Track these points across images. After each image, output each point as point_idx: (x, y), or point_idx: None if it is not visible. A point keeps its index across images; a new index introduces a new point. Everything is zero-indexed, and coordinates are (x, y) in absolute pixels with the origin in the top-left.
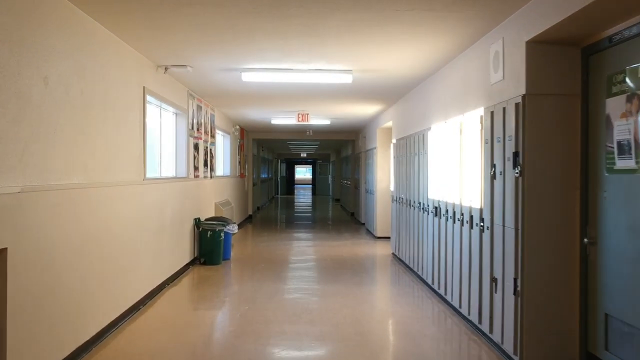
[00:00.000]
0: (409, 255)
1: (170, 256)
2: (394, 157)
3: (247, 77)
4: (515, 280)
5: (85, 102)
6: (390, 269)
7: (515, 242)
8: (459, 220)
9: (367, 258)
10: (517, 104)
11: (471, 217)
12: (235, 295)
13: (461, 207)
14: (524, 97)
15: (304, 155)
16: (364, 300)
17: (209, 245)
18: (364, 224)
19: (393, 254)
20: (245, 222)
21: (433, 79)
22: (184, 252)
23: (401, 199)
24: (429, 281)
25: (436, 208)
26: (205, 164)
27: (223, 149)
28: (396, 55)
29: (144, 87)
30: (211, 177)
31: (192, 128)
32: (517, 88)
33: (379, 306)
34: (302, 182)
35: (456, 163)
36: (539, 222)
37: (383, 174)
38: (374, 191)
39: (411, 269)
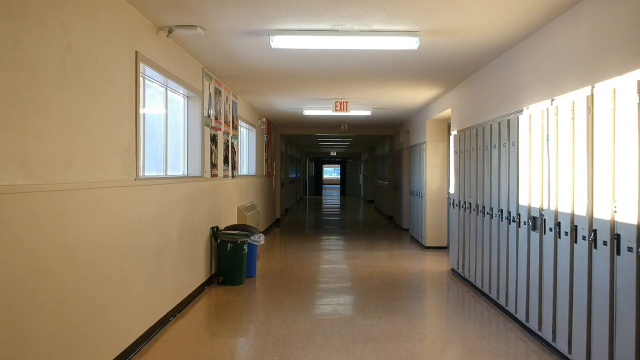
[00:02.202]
0: (480, 275)
1: (177, 279)
2: (455, 153)
3: (279, 42)
4: None
5: (25, 57)
6: (454, 292)
7: None
8: (585, 239)
9: (422, 276)
10: None
11: (617, 236)
12: (261, 335)
13: (590, 220)
14: None
15: (333, 154)
16: (440, 346)
17: (229, 261)
18: (406, 229)
19: (453, 270)
20: (273, 226)
21: (527, 44)
22: (197, 271)
23: (467, 204)
24: (521, 317)
25: (534, 218)
26: (226, 161)
27: (247, 144)
28: (482, 4)
29: (136, 53)
30: (233, 176)
31: (209, 116)
32: None
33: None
34: (330, 182)
35: (580, 156)
36: None
37: (434, 173)
38: (423, 193)
39: (483, 293)
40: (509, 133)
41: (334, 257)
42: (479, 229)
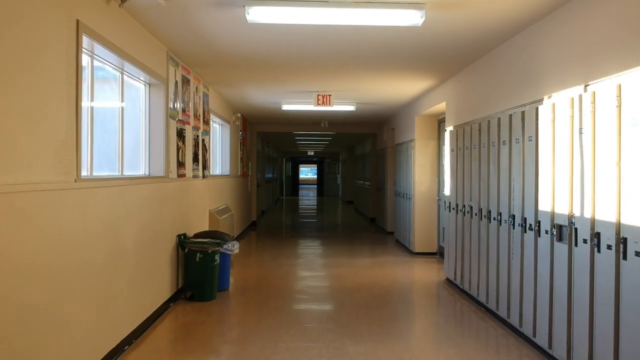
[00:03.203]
0: (484, 288)
1: (134, 299)
2: (451, 151)
3: (256, 15)
4: None
5: None
6: (454, 307)
7: None
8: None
9: (415, 287)
10: None
11: None
12: None
13: None
14: None
15: (311, 153)
16: None
17: (198, 274)
18: (391, 233)
19: (448, 280)
20: (249, 230)
21: (549, 21)
22: (159, 286)
23: (467, 208)
24: (542, 343)
25: (560, 227)
26: (196, 159)
27: (221, 141)
28: None
29: (78, 22)
30: (204, 176)
31: (175, 107)
32: None
33: None
34: (307, 183)
35: (632, 153)
36: None
37: (423, 173)
38: (411, 195)
39: (488, 309)
40: (523, 127)
41: (315, 265)
42: (482, 237)
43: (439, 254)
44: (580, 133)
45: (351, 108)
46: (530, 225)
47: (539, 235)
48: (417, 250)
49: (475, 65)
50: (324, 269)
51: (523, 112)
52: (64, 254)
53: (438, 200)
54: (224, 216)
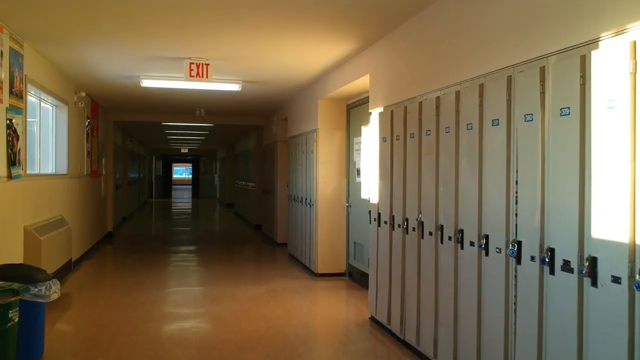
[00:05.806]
0: (449, 349)
1: None
2: (382, 141)
3: None
4: None
5: None
6: None
7: None
8: None
9: (333, 337)
10: None
11: None
12: None
13: None
14: None
15: (185, 150)
16: None
17: None
18: (282, 244)
19: (375, 320)
20: (102, 243)
21: None
22: None
23: (412, 223)
24: None
25: None
26: None
27: (55, 128)
28: None
29: None
30: (11, 176)
31: None
32: None
33: None
34: (181, 183)
35: None
36: None
37: (330, 173)
38: (313, 200)
39: None
40: (543, 93)
41: (188, 300)
42: (445, 269)
43: (349, 274)
44: None
45: (235, 87)
46: (567, 262)
47: (595, 285)
48: (320, 270)
49: (432, 10)
50: (200, 305)
51: (543, 68)
52: None
53: (348, 207)
54: (51, 234)
